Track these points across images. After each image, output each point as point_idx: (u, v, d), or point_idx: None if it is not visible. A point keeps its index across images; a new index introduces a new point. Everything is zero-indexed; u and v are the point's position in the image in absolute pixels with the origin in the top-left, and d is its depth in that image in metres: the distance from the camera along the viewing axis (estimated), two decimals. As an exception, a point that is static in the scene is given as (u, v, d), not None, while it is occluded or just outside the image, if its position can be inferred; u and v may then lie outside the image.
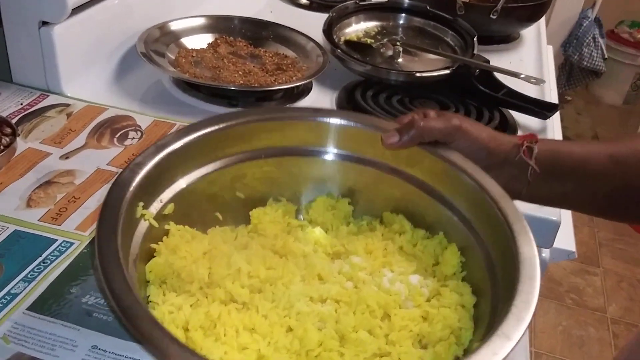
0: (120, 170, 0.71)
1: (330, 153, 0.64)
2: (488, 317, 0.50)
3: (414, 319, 0.52)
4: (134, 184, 0.53)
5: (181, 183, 0.58)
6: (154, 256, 0.55)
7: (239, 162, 0.61)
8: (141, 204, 0.54)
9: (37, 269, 0.59)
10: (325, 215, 0.64)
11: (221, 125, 0.59)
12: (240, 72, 0.93)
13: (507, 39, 1.22)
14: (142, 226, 0.54)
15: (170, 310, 0.50)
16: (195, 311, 0.50)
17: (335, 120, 0.63)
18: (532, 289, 0.46)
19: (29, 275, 0.58)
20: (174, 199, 0.57)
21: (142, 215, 0.54)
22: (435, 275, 0.58)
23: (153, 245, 0.55)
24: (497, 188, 0.56)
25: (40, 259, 0.60)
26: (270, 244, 0.58)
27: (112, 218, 0.49)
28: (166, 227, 0.56)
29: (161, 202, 0.56)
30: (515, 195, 0.61)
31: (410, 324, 0.52)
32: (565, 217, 0.79)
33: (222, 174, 0.61)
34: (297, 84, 0.92)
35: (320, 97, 0.96)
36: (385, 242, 0.60)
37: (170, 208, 0.57)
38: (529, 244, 0.50)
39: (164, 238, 0.56)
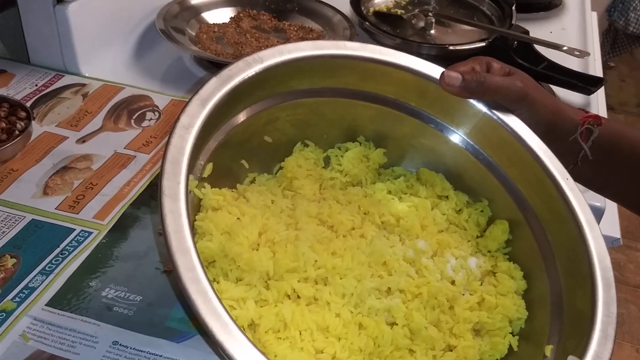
0: (139, 153, 0.70)
1: (370, 96, 0.58)
2: (549, 307, 0.50)
3: (473, 308, 0.51)
4: (187, 153, 0.44)
5: (218, 136, 0.52)
6: (195, 230, 0.49)
7: (275, 104, 0.56)
8: (191, 176, 0.47)
9: (55, 260, 0.57)
10: (359, 167, 0.60)
11: (260, 67, 0.52)
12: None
13: (548, 6, 1.15)
14: (190, 202, 0.47)
15: (231, 305, 0.45)
16: (264, 311, 0.46)
17: (380, 62, 0.56)
18: (611, 300, 0.46)
19: (47, 268, 0.56)
20: (212, 158, 0.51)
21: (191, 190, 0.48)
22: (479, 248, 0.57)
23: (198, 223, 0.48)
24: (560, 167, 0.53)
25: (58, 249, 0.58)
26: (316, 212, 0.54)
27: (179, 204, 0.42)
28: (202, 191, 0.50)
29: (201, 164, 0.51)
30: None
31: (471, 315, 0.50)
32: (609, 202, 0.74)
33: (256, 119, 0.55)
34: (323, 60, 0.88)
35: (347, 73, 0.91)
36: (433, 213, 0.57)
37: (209, 169, 0.51)
38: (598, 239, 0.49)
39: (209, 212, 0.50)
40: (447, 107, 0.57)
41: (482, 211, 0.58)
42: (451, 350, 0.49)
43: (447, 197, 0.59)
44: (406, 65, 0.56)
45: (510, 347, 0.50)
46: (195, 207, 0.50)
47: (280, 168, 0.59)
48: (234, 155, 0.56)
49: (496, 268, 0.55)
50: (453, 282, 0.52)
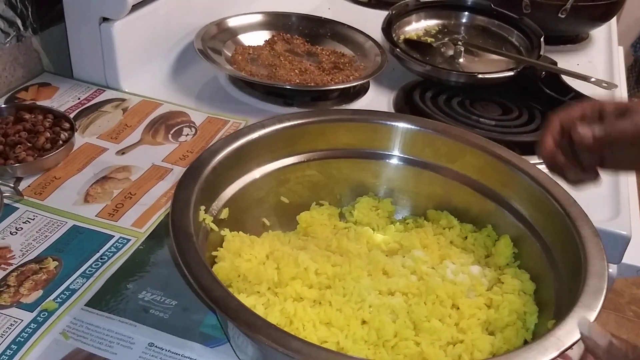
0: (175, 167, 0.73)
1: (369, 153, 0.65)
2: (554, 300, 0.52)
3: (481, 307, 0.53)
4: (197, 187, 0.53)
5: (233, 187, 0.59)
6: (214, 262, 0.54)
7: (283, 166, 0.62)
8: (202, 207, 0.54)
9: (95, 264, 0.59)
10: (370, 216, 0.64)
11: (268, 130, 0.60)
12: (296, 71, 0.91)
13: (575, 39, 1.17)
14: (203, 231, 0.54)
15: None
16: (270, 309, 0.50)
17: (372, 121, 0.64)
18: (602, 269, 0.48)
19: (87, 271, 0.58)
20: (227, 204, 0.58)
21: (203, 219, 0.54)
22: (490, 266, 0.59)
23: (214, 253, 0.55)
24: (543, 174, 0.57)
25: (97, 254, 0.60)
26: (325, 245, 0.58)
27: (185, 223, 0.49)
28: (222, 233, 0.56)
29: (217, 206, 0.57)
30: None
31: (478, 312, 0.52)
32: (635, 231, 0.74)
33: (269, 178, 0.61)
34: (354, 84, 0.90)
35: (377, 98, 0.93)
36: (437, 237, 0.60)
37: (225, 213, 0.57)
38: (588, 224, 0.52)
39: (224, 244, 0.56)
40: (437, 149, 0.63)
41: (488, 235, 0.61)
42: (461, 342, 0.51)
43: (452, 227, 0.63)
44: (394, 121, 0.64)
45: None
46: (211, 243, 0.55)
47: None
48: (254, 212, 0.61)
49: (503, 276, 0.57)
50: (454, 283, 0.55)
